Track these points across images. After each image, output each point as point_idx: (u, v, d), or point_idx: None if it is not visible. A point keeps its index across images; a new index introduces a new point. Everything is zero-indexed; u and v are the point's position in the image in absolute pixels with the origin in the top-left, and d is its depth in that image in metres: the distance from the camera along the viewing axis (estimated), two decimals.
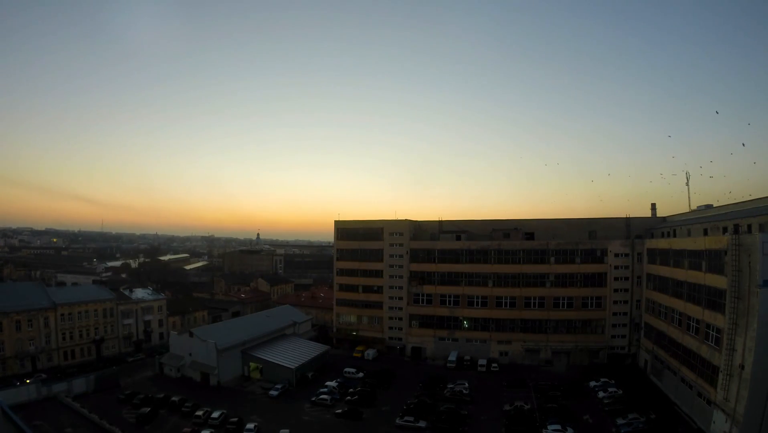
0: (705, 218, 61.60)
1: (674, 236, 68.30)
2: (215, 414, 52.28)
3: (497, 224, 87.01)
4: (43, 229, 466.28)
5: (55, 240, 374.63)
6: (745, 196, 57.91)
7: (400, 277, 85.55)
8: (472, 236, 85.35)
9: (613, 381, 62.41)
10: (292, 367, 67.08)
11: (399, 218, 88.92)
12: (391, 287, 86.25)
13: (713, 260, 47.27)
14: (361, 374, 69.03)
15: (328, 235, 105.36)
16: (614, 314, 74.46)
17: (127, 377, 67.39)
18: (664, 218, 79.72)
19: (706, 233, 57.33)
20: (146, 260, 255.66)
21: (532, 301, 77.41)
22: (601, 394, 58.49)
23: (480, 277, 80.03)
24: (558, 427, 48.14)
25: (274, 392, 61.29)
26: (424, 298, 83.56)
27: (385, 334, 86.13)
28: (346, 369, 70.30)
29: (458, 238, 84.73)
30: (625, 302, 73.86)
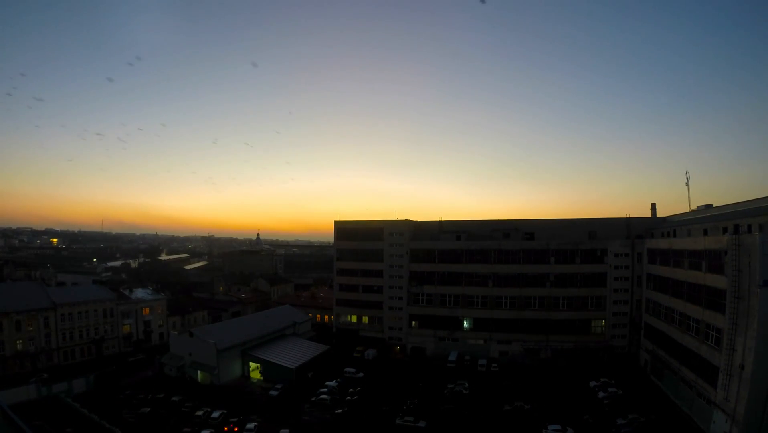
0: (705, 218, 61.53)
1: (674, 236, 68.24)
2: (215, 414, 52.30)
3: (497, 224, 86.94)
4: (43, 229, 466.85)
5: (54, 240, 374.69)
6: (745, 197, 57.93)
7: (400, 277, 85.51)
8: (472, 235, 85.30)
9: (613, 381, 62.37)
10: (292, 367, 67.06)
11: (399, 218, 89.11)
12: (391, 287, 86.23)
13: (713, 260, 47.23)
14: (361, 374, 68.98)
15: (329, 235, 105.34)
16: (614, 314, 74.45)
17: (127, 377, 67.40)
18: (664, 218, 79.62)
19: (706, 232, 57.25)
20: (146, 260, 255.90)
21: (532, 301, 77.40)
22: (601, 394, 58.43)
23: (480, 277, 79.99)
24: (558, 427, 48.13)
25: (274, 392, 61.27)
26: (424, 298, 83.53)
27: (385, 334, 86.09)
28: (346, 369, 70.22)
29: (458, 238, 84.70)
30: (625, 302, 73.83)
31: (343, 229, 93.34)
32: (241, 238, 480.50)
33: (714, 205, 64.98)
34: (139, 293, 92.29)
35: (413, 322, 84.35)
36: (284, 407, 56.74)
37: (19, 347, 70.08)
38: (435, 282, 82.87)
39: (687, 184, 76.82)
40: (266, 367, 68.42)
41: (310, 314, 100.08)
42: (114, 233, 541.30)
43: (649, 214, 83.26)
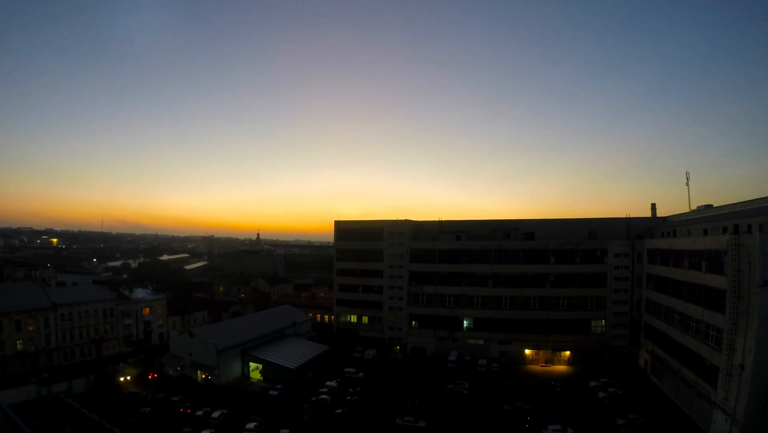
0: (705, 218, 61.54)
1: (674, 236, 68.22)
2: (215, 414, 52.29)
3: (497, 224, 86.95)
4: (43, 229, 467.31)
5: (54, 240, 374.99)
6: (745, 197, 57.95)
7: (400, 277, 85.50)
8: (472, 235, 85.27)
9: (613, 381, 62.42)
10: (292, 367, 67.06)
11: (399, 218, 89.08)
12: (391, 287, 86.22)
13: (713, 260, 47.22)
14: (361, 374, 69.00)
15: (329, 235, 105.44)
16: (614, 314, 74.41)
17: (127, 377, 67.32)
18: (664, 218, 79.61)
19: (706, 232, 57.24)
20: (146, 260, 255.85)
21: (532, 301, 77.36)
22: (601, 394, 58.46)
23: (480, 277, 79.97)
24: (558, 427, 48.13)
25: (274, 392, 61.26)
26: (424, 298, 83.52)
27: (385, 334, 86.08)
28: (346, 369, 70.25)
29: (458, 238, 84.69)
30: (625, 302, 73.79)
31: (343, 229, 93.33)
32: (241, 238, 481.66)
33: (714, 205, 65.00)
34: (139, 293, 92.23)
35: (413, 322, 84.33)
36: (284, 407, 56.74)
37: (19, 347, 70.09)
38: (435, 282, 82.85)
39: (687, 184, 76.89)
40: (266, 367, 68.42)
41: (310, 314, 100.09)
42: (114, 232, 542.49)
43: (649, 214, 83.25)
